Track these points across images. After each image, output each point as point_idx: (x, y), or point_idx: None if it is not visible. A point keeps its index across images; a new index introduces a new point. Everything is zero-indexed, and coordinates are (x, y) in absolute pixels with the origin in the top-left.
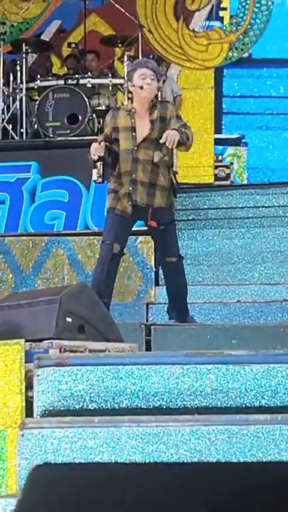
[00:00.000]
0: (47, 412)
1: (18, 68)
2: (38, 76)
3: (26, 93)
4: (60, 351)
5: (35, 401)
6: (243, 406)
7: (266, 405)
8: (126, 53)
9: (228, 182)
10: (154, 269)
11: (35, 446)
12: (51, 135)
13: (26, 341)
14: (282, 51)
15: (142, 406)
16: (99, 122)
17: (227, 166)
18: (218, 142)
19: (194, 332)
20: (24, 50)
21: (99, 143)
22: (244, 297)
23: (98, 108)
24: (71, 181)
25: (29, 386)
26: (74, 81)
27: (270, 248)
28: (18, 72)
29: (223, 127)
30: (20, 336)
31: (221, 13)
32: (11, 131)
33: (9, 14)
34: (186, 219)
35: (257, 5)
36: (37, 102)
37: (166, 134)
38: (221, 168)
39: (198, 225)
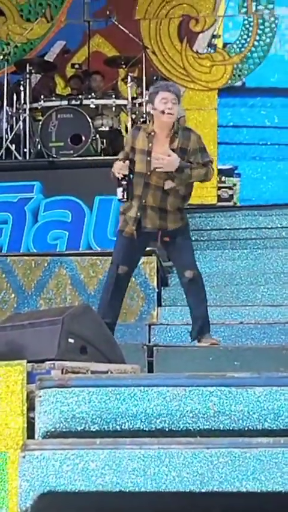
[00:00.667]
0: (48, 433)
1: (22, 88)
2: (42, 96)
3: (29, 113)
4: (62, 372)
5: (37, 422)
6: (246, 429)
7: (269, 428)
8: (130, 74)
9: (231, 203)
10: (157, 290)
11: (36, 468)
12: (54, 155)
13: (28, 362)
14: (276, 80)
15: (144, 428)
16: (102, 143)
17: (230, 188)
18: None
19: (197, 353)
20: (28, 71)
21: (124, 161)
22: (247, 319)
23: (101, 128)
24: (73, 202)
25: (31, 407)
26: (78, 102)
27: (273, 269)
28: (22, 93)
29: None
30: (22, 357)
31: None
32: (15, 151)
33: (13, 34)
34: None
35: (261, 26)
36: (40, 123)
37: (163, 159)
38: (224, 189)
39: (201, 246)
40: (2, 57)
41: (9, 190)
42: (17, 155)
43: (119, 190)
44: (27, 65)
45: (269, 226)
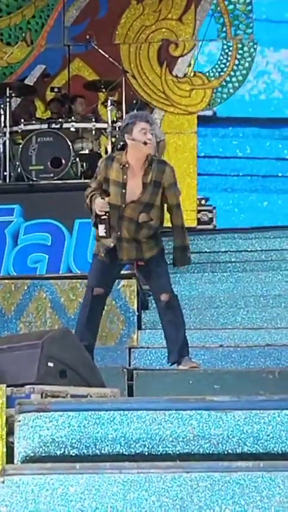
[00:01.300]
0: (28, 458)
1: (1, 111)
2: (22, 120)
3: (9, 136)
4: (41, 396)
5: (16, 447)
6: (226, 452)
7: (248, 452)
8: (110, 97)
9: (211, 226)
10: (137, 313)
11: (15, 493)
12: (34, 179)
13: (8, 386)
14: (247, 110)
15: (124, 453)
16: (82, 166)
17: (209, 211)
18: None
19: (177, 377)
20: (8, 94)
21: (102, 198)
22: (227, 342)
23: (81, 152)
24: (54, 225)
25: (10, 432)
26: (58, 125)
27: (253, 292)
28: (2, 116)
29: None
30: (1, 381)
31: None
32: None
33: None
34: (168, 263)
35: (240, 51)
36: (21, 146)
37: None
38: (203, 212)
39: (180, 269)
40: None
41: None
42: None
43: (101, 227)
44: (7, 89)
45: (249, 249)
